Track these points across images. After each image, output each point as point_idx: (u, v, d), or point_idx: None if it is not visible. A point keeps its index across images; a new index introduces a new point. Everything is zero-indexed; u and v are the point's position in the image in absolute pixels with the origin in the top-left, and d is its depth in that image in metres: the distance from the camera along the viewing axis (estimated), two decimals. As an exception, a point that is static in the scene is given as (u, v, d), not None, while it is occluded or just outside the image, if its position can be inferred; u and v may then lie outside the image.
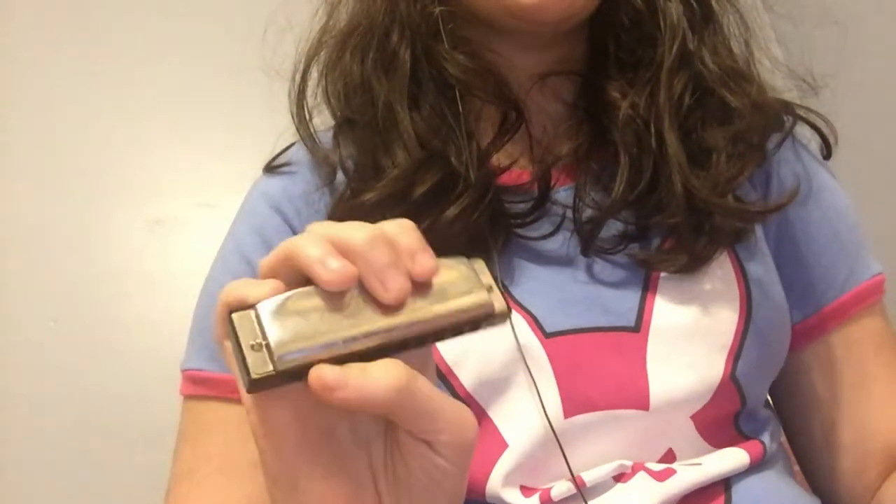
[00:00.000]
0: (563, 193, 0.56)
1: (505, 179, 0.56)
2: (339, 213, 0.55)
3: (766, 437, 0.54)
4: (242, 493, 0.53)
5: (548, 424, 0.50)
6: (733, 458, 0.52)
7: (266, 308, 0.30)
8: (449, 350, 0.51)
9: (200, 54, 1.31)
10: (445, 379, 0.51)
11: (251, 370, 0.29)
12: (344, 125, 0.59)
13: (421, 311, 0.31)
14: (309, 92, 0.60)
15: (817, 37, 0.76)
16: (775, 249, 0.59)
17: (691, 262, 0.53)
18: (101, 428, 1.14)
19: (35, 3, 1.31)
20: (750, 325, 0.54)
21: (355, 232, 0.31)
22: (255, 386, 0.30)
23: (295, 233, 0.58)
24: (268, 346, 0.30)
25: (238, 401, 0.54)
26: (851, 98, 0.65)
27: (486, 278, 0.34)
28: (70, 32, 1.31)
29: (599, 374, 0.51)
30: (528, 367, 0.51)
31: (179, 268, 1.22)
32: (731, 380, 0.52)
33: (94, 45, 1.31)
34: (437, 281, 0.32)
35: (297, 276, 0.31)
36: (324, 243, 0.31)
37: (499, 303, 0.33)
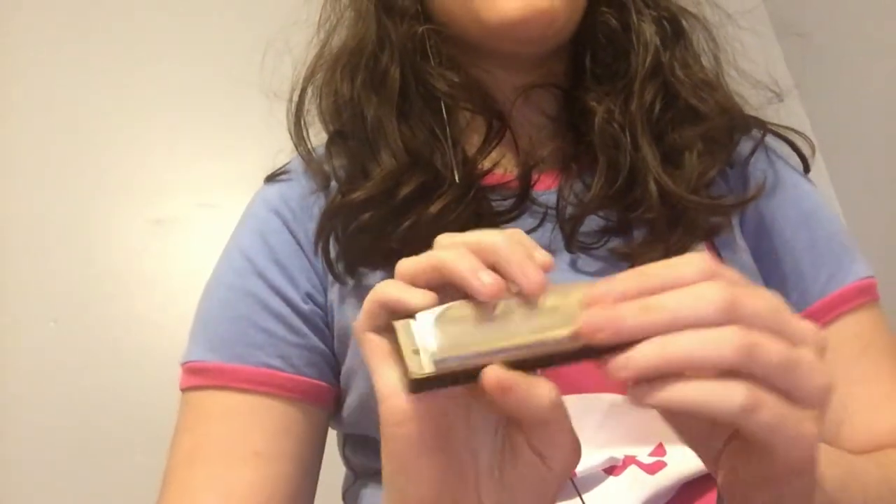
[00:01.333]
0: (546, 196, 0.59)
1: (489, 181, 0.58)
2: (331, 211, 0.58)
3: None
4: (243, 481, 0.54)
5: None
6: None
7: (425, 318, 0.33)
8: None
9: (200, 55, 1.32)
10: None
11: (410, 372, 0.33)
12: (336, 138, 0.62)
13: (560, 332, 0.33)
14: (304, 109, 0.63)
15: (781, 48, 0.77)
16: (753, 250, 0.61)
17: (667, 254, 0.55)
18: (101, 428, 1.14)
19: (35, 3, 1.31)
20: None
21: (491, 236, 0.35)
22: (416, 387, 0.33)
23: (292, 233, 0.60)
24: (426, 350, 0.33)
25: (239, 389, 0.56)
26: (813, 105, 0.67)
27: None
28: (70, 33, 1.31)
29: None
30: None
31: (179, 268, 1.23)
32: None
33: (94, 46, 1.31)
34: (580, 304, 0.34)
35: (440, 284, 0.34)
36: (471, 256, 0.34)
37: None
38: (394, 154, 0.57)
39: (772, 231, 0.61)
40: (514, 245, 0.34)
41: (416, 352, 0.33)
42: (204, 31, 1.33)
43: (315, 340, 0.57)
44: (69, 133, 1.27)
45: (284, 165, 0.66)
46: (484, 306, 0.33)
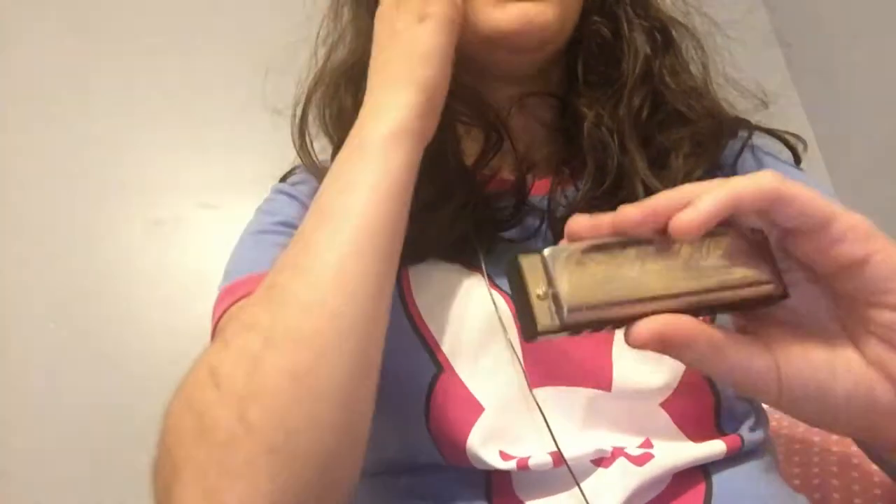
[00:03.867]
0: (541, 201, 0.60)
1: (490, 187, 0.60)
2: None
3: (744, 431, 0.55)
4: None
5: (522, 391, 0.52)
6: (710, 447, 0.53)
7: (555, 256, 0.31)
8: (428, 311, 0.55)
9: (201, 55, 1.32)
10: (424, 340, 0.54)
11: (538, 323, 0.30)
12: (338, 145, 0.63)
13: (709, 279, 0.32)
14: (307, 123, 0.65)
15: (768, 58, 0.79)
16: None
17: None
18: (101, 429, 1.14)
19: (37, 3, 1.31)
20: (716, 317, 0.54)
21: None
22: (535, 338, 0.31)
23: (306, 207, 0.62)
24: (555, 297, 0.30)
25: None
26: (800, 112, 0.70)
27: (769, 260, 0.34)
28: (72, 33, 1.31)
29: (564, 353, 0.54)
30: (508, 338, 0.54)
31: (179, 268, 1.23)
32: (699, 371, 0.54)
33: (95, 46, 1.31)
34: (722, 254, 0.33)
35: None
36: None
37: (777, 286, 0.34)
38: None
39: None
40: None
41: (542, 296, 0.30)
42: (205, 31, 1.34)
43: None
44: (69, 134, 1.27)
45: (294, 169, 0.68)
46: (623, 250, 0.32)
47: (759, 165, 0.64)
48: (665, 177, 0.58)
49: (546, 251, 0.31)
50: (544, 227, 0.59)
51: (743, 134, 0.64)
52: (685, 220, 0.31)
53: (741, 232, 0.34)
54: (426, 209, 0.56)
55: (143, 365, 1.17)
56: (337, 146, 0.63)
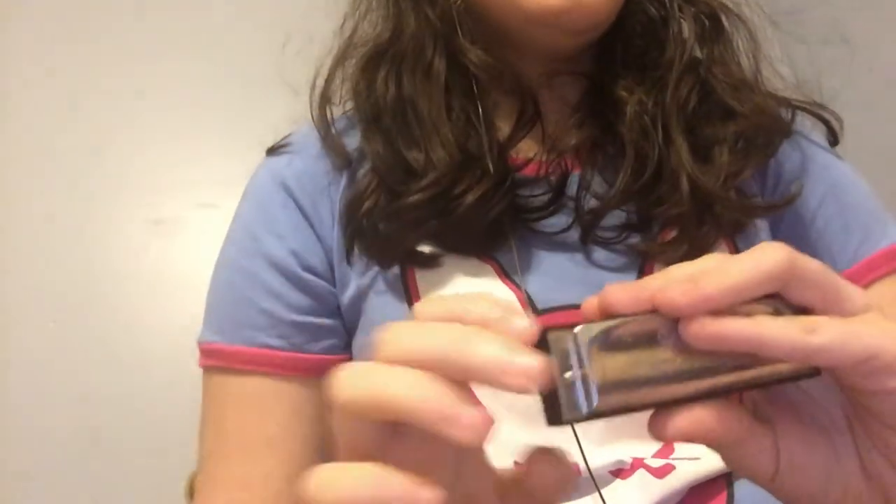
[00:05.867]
0: (570, 188, 0.57)
1: (521, 171, 0.57)
2: (387, 215, 0.55)
3: None
4: (260, 471, 0.55)
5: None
6: None
7: (586, 336, 0.28)
8: None
9: (202, 54, 1.31)
10: None
11: (564, 412, 0.28)
12: (372, 124, 0.59)
13: (744, 356, 0.29)
14: (330, 97, 0.61)
15: (825, 55, 0.77)
16: (776, 224, 0.60)
17: (691, 251, 0.54)
18: (100, 428, 1.14)
19: (37, 1, 1.31)
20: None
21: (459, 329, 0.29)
22: (559, 424, 0.28)
23: (301, 209, 0.58)
24: (585, 384, 0.28)
25: (244, 372, 0.56)
26: (855, 116, 0.66)
27: None
28: (71, 32, 1.31)
29: None
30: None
31: (179, 268, 1.22)
32: None
33: (95, 45, 1.31)
34: None
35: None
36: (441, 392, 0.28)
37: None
38: (448, 152, 0.54)
39: (796, 205, 0.60)
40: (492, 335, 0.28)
41: (571, 380, 0.28)
42: (206, 29, 1.33)
43: (320, 315, 0.57)
44: (69, 133, 1.26)
45: (287, 138, 0.63)
46: (649, 324, 0.28)
47: (800, 153, 0.61)
48: (708, 171, 0.55)
49: (578, 329, 0.28)
50: (568, 211, 0.56)
51: (787, 116, 0.60)
52: (704, 332, 0.28)
53: (783, 305, 0.30)
54: (462, 195, 0.53)
55: (142, 364, 1.17)
56: (369, 120, 0.59)
